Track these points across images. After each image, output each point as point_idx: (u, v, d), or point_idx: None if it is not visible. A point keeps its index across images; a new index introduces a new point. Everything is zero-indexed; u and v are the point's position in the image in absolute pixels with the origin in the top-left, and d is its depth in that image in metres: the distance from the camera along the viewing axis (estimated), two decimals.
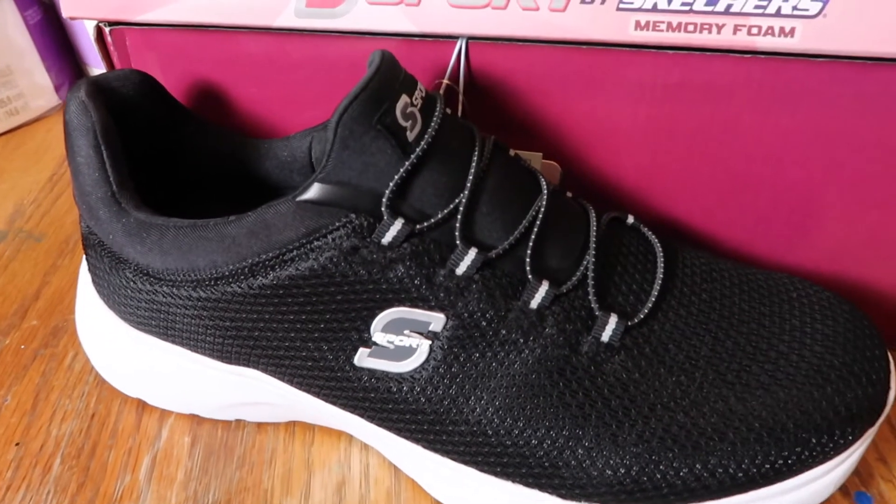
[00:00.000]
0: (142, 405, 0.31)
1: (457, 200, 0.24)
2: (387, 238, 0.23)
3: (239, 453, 0.29)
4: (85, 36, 0.53)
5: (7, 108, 0.51)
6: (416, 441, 0.26)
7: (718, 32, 0.25)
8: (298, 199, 0.23)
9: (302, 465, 0.29)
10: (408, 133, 0.23)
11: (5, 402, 0.31)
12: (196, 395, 0.30)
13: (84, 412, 0.31)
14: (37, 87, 0.52)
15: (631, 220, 0.28)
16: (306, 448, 0.30)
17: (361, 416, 0.26)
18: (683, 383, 0.24)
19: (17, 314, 0.36)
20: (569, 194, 0.28)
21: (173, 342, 0.28)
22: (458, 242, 0.24)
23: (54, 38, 0.53)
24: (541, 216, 0.25)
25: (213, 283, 0.25)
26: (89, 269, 0.29)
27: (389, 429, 0.26)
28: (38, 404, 0.31)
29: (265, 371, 0.27)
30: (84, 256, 0.29)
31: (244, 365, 0.27)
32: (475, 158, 0.24)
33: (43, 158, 0.49)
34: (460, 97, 0.29)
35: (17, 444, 0.30)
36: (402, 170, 0.23)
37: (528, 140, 0.30)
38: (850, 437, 0.24)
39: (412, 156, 0.23)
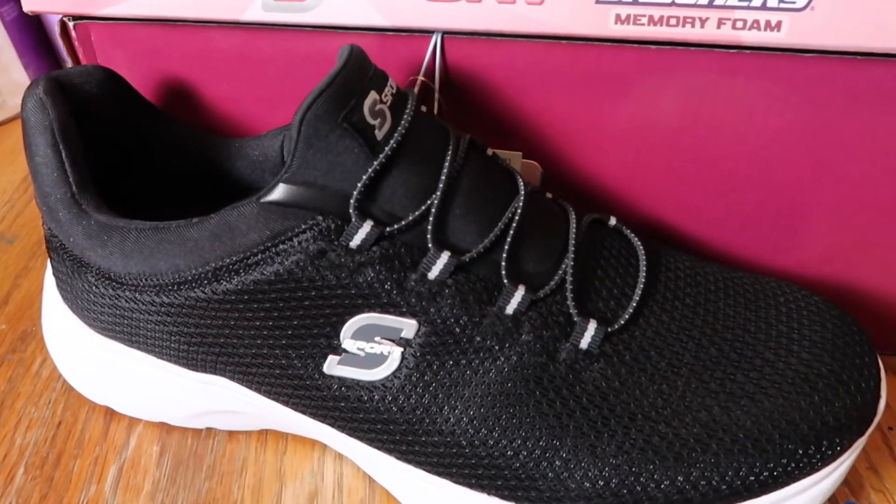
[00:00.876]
0: (110, 413, 0.30)
1: (429, 202, 0.23)
2: (355, 241, 0.22)
3: (209, 463, 0.28)
4: None
5: None
6: (389, 451, 0.25)
7: (702, 26, 0.24)
8: (262, 200, 0.22)
9: (273, 476, 0.28)
10: (376, 131, 0.22)
11: None
12: (164, 403, 0.29)
13: (50, 420, 0.30)
14: (14, 84, 0.51)
15: (613, 221, 0.27)
16: (278, 457, 0.29)
17: (332, 425, 0.25)
18: (665, 392, 0.23)
19: None
20: (549, 195, 0.27)
21: (139, 348, 0.27)
22: (430, 245, 0.23)
23: (32, 34, 0.52)
24: (517, 218, 0.24)
25: (175, 287, 0.24)
26: (53, 273, 0.28)
27: (361, 439, 0.25)
28: (4, 412, 0.30)
29: (232, 379, 0.26)
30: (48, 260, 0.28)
31: (211, 372, 0.26)
32: (448, 157, 0.23)
33: (19, 158, 0.48)
34: (436, 94, 0.28)
35: None
36: (370, 170, 0.22)
37: (508, 139, 0.29)
38: (839, 448, 0.23)
39: (381, 155, 0.22)
